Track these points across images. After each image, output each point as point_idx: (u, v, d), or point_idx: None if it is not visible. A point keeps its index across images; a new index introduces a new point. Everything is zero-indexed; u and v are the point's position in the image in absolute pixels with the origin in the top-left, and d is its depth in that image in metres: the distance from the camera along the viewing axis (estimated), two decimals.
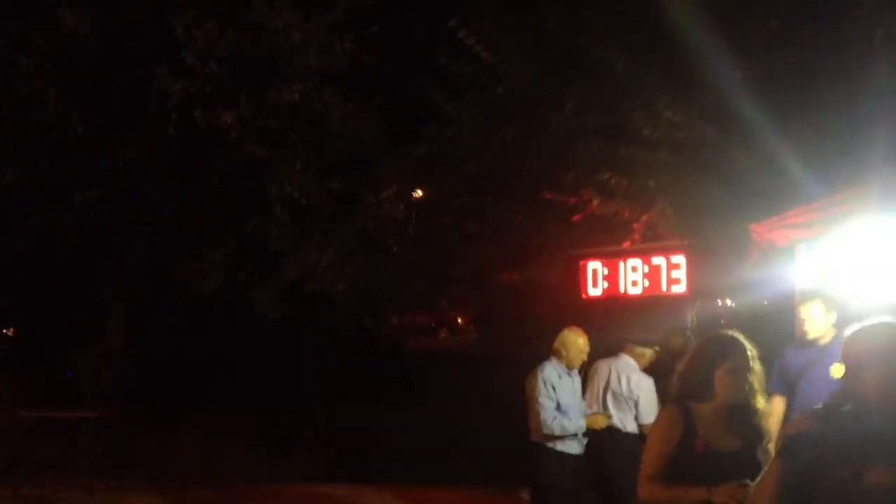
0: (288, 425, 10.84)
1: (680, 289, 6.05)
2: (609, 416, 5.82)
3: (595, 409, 5.94)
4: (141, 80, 10.21)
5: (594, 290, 6.52)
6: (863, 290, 4.71)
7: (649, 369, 6.01)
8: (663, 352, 6.01)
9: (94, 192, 10.63)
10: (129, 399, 11.58)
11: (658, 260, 6.17)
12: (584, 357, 5.82)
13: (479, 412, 10.32)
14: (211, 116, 10.18)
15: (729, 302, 6.98)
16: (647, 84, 6.98)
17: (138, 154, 10.56)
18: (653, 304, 6.27)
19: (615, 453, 5.79)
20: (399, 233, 11.63)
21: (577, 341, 5.73)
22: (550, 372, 5.67)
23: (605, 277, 6.45)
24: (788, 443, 2.36)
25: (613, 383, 5.97)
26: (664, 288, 6.12)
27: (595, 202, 7.48)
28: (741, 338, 3.06)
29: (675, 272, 6.06)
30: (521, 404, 5.88)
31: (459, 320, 28.54)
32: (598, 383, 6.05)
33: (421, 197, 12.27)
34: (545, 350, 5.90)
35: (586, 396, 5.99)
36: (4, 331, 19.02)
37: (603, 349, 6.02)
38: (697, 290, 6.15)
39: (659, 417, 3.24)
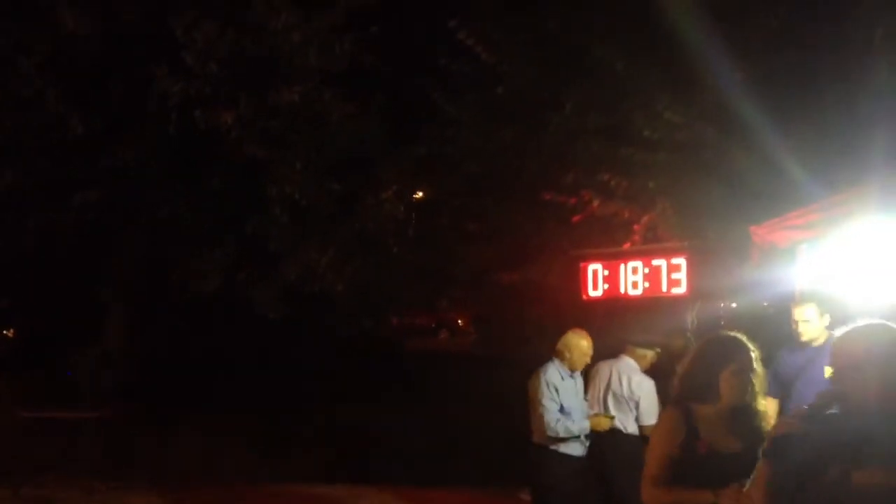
0: (288, 425, 10.84)
1: (680, 290, 6.05)
2: (612, 418, 5.82)
3: (596, 410, 5.94)
4: (141, 81, 10.20)
5: (594, 292, 6.52)
6: (863, 290, 4.70)
7: (650, 371, 6.01)
8: (664, 353, 6.01)
9: (94, 193, 10.63)
10: (129, 399, 11.58)
11: (658, 261, 6.17)
12: (588, 360, 5.81)
13: (479, 412, 10.33)
14: (211, 117, 10.18)
15: (731, 304, 6.98)
16: (647, 84, 6.98)
17: (138, 154, 10.55)
18: (653, 305, 6.26)
19: (616, 454, 5.79)
20: (399, 233, 11.62)
21: (580, 343, 5.72)
22: (553, 374, 5.65)
23: (605, 279, 6.45)
24: (775, 444, 2.36)
25: (614, 384, 5.96)
26: (664, 289, 6.12)
27: (595, 203, 7.47)
28: (744, 339, 3.06)
29: (675, 274, 6.06)
30: (521, 405, 5.87)
31: (459, 321, 28.56)
32: (598, 384, 6.05)
33: (421, 197, 12.28)
34: (545, 350, 5.89)
35: (587, 398, 5.99)
36: (4, 332, 19.02)
37: (604, 350, 6.02)
38: (698, 291, 6.15)
39: (660, 419, 3.22)
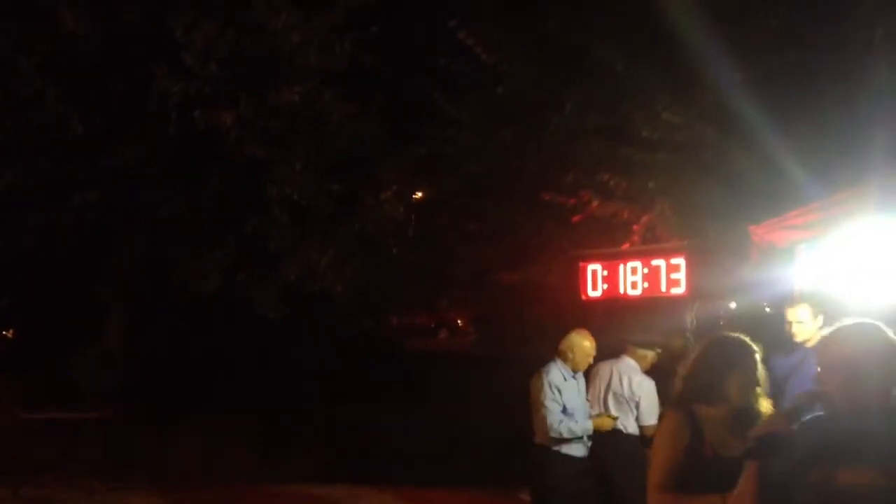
0: (288, 425, 10.84)
1: (679, 290, 6.05)
2: (615, 418, 5.81)
3: (596, 410, 5.93)
4: (141, 81, 10.20)
5: (594, 292, 6.52)
6: (862, 290, 4.70)
7: (650, 371, 6.01)
8: (664, 353, 6.01)
9: (94, 193, 10.62)
10: (129, 399, 11.58)
11: (658, 261, 6.17)
12: (591, 360, 5.81)
13: (479, 412, 10.33)
14: (211, 117, 10.18)
15: (729, 305, 6.98)
16: (647, 84, 6.98)
17: (138, 154, 10.55)
18: (652, 305, 6.26)
19: (616, 454, 5.80)
20: (399, 233, 11.62)
21: (583, 344, 5.71)
22: (556, 374, 5.65)
23: (604, 279, 6.45)
24: (759, 444, 2.36)
25: (615, 385, 5.96)
26: (664, 289, 6.11)
27: (595, 203, 7.47)
28: (748, 340, 3.03)
29: (674, 274, 6.06)
30: (521, 405, 5.87)
31: (459, 321, 28.56)
32: (599, 385, 6.05)
33: (421, 197, 12.27)
34: (545, 350, 5.89)
35: (587, 398, 5.99)
36: (4, 332, 19.01)
37: (603, 351, 6.02)
38: (697, 291, 6.15)
39: (663, 423, 3.13)
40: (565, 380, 5.67)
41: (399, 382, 13.90)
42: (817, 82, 6.43)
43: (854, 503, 2.18)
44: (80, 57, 10.27)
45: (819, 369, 2.40)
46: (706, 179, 6.85)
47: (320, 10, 10.63)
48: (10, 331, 18.93)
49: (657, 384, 5.85)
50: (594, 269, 6.53)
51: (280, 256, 11.15)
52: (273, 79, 10.48)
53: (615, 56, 7.12)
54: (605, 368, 6.07)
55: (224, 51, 10.10)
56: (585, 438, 5.68)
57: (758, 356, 3.01)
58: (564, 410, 5.58)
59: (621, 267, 6.36)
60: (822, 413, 2.40)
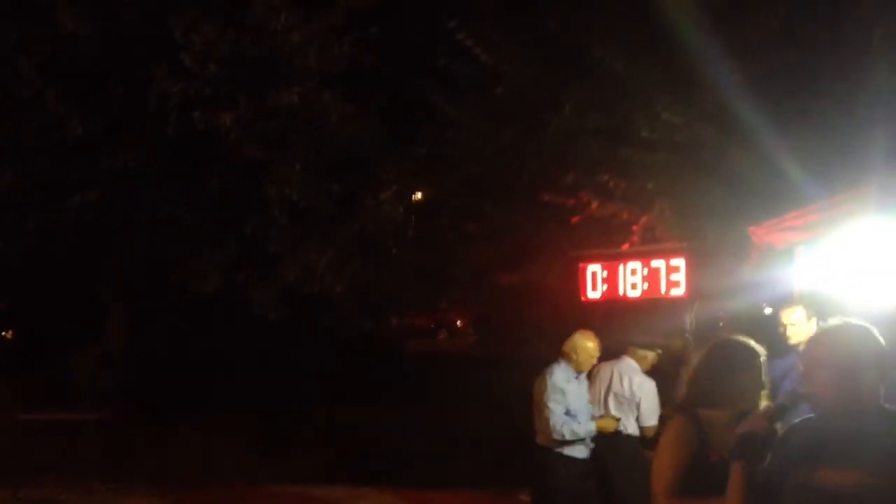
0: (288, 425, 10.84)
1: (679, 292, 6.05)
2: (618, 420, 5.81)
3: (597, 411, 5.93)
4: (140, 82, 10.21)
5: (593, 293, 6.51)
6: (862, 291, 4.70)
7: (650, 371, 6.01)
8: (664, 354, 6.01)
9: (94, 193, 10.64)
10: (129, 400, 11.58)
11: (657, 262, 6.17)
12: (594, 361, 5.78)
13: (479, 413, 10.33)
14: (210, 118, 10.18)
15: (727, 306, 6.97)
16: (647, 85, 6.98)
17: (138, 155, 10.56)
18: (652, 306, 6.26)
19: (616, 455, 5.79)
20: (398, 234, 11.62)
21: (587, 345, 5.69)
22: (559, 376, 5.62)
23: (604, 280, 6.44)
24: (741, 443, 2.36)
25: (616, 385, 5.96)
26: (663, 290, 6.11)
27: (594, 204, 7.47)
28: (752, 343, 3.01)
29: (674, 275, 6.06)
30: (520, 405, 5.86)
31: (459, 322, 28.56)
32: (599, 386, 6.04)
33: (420, 198, 12.27)
34: (544, 351, 5.89)
35: (588, 399, 5.99)
36: (4, 333, 19.01)
37: (604, 351, 6.02)
38: (696, 292, 6.14)
39: (668, 428, 3.06)
40: (568, 381, 5.64)
41: (399, 383, 13.90)
42: (817, 82, 6.44)
43: (841, 503, 2.18)
44: (80, 57, 10.28)
45: (803, 369, 2.40)
46: (706, 180, 6.85)
47: (320, 10, 10.64)
48: (10, 331, 18.93)
49: (658, 385, 5.85)
50: (594, 270, 6.53)
51: (280, 257, 11.15)
52: (273, 79, 10.49)
53: (615, 56, 7.12)
54: (605, 369, 6.06)
55: (224, 51, 10.11)
56: (588, 440, 5.67)
57: (763, 359, 2.99)
58: (568, 412, 5.57)
59: (621, 268, 6.36)
60: (801, 411, 2.41)
